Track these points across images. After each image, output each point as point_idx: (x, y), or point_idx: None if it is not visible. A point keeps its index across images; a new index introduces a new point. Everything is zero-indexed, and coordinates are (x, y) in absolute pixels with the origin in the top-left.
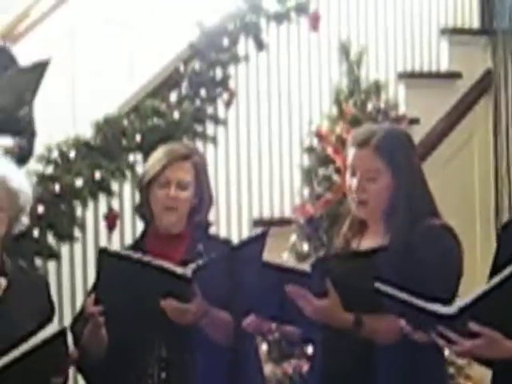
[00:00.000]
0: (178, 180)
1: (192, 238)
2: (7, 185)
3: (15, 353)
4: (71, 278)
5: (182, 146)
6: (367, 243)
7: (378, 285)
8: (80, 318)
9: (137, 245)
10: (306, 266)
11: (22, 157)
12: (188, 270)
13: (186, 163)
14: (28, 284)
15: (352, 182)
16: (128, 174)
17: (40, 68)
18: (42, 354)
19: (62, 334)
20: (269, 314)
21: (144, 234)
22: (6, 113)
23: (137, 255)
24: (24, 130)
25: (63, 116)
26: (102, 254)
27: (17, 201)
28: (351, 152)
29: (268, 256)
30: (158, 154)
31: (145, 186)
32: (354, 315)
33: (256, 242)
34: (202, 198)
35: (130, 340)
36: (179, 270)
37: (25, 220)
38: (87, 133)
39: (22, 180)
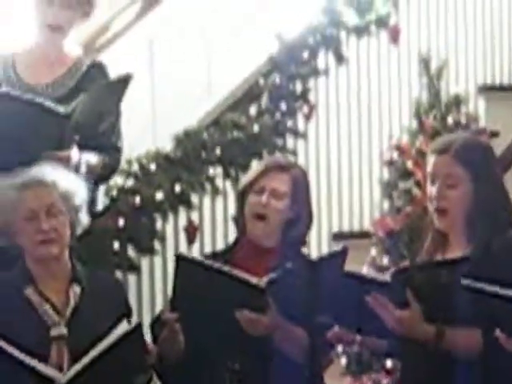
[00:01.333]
0: (272, 188)
1: (283, 254)
2: (59, 188)
3: (94, 352)
4: (151, 290)
5: (284, 159)
6: (450, 256)
7: (468, 281)
8: (158, 321)
9: (225, 253)
10: (386, 277)
11: (106, 174)
12: (263, 281)
13: (283, 174)
14: (103, 289)
15: (432, 190)
16: (208, 186)
17: (122, 83)
18: (120, 351)
19: (137, 330)
20: (350, 326)
21: (235, 243)
22: (86, 128)
23: (213, 263)
24: (106, 146)
25: (143, 129)
26: (180, 259)
27: (72, 202)
28: (431, 160)
29: (347, 268)
30: (258, 165)
31: (241, 195)
32: (436, 327)
33: (336, 259)
34: (300, 213)
35: (204, 348)
36: (254, 280)
37: (84, 219)
38: (167, 146)
39: (72, 180)
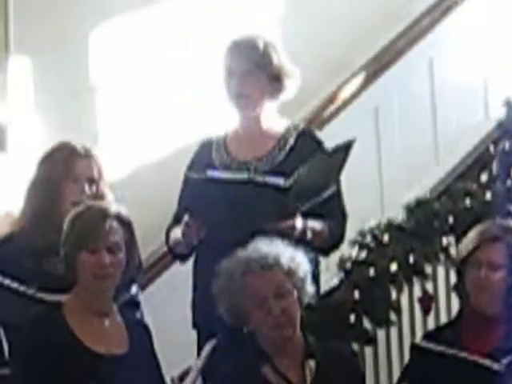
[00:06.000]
0: (488, 261)
1: (508, 321)
2: (283, 267)
3: None
4: (388, 362)
5: (496, 226)
6: None
7: None
8: None
9: (453, 324)
10: None
11: (333, 241)
12: (502, 365)
13: (497, 244)
14: (338, 363)
15: None
16: (441, 256)
17: (345, 149)
18: None
19: None
20: None
21: (461, 312)
22: (310, 196)
23: (450, 351)
24: (331, 213)
25: (371, 198)
26: (414, 348)
27: (296, 276)
28: None
29: None
30: (472, 234)
31: (460, 266)
32: None
33: None
34: None
35: None
36: (493, 365)
37: (310, 289)
38: (398, 215)
39: (293, 254)
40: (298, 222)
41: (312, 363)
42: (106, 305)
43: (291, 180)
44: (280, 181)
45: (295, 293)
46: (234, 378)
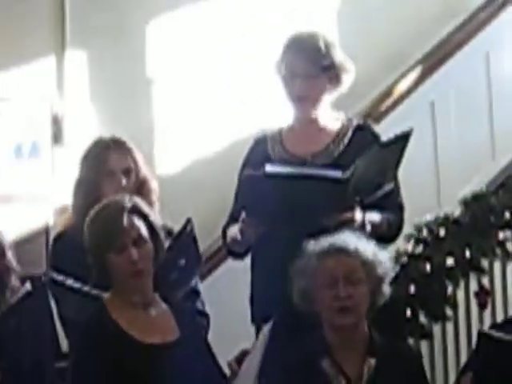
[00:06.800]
0: None
1: None
2: (362, 257)
3: None
4: (444, 357)
5: None
6: None
7: None
8: None
9: None
10: None
11: (391, 234)
12: None
13: None
14: (399, 362)
15: None
16: (498, 251)
17: (402, 140)
18: None
19: None
20: None
21: None
22: (369, 188)
23: None
24: (389, 205)
25: (427, 192)
26: (483, 337)
27: (374, 272)
28: None
29: None
30: None
31: None
32: None
33: None
34: None
35: None
36: None
37: (387, 290)
38: (452, 209)
39: (375, 251)
40: (358, 215)
41: (372, 361)
42: (147, 295)
43: (349, 172)
44: (338, 173)
45: (368, 286)
46: (293, 368)
